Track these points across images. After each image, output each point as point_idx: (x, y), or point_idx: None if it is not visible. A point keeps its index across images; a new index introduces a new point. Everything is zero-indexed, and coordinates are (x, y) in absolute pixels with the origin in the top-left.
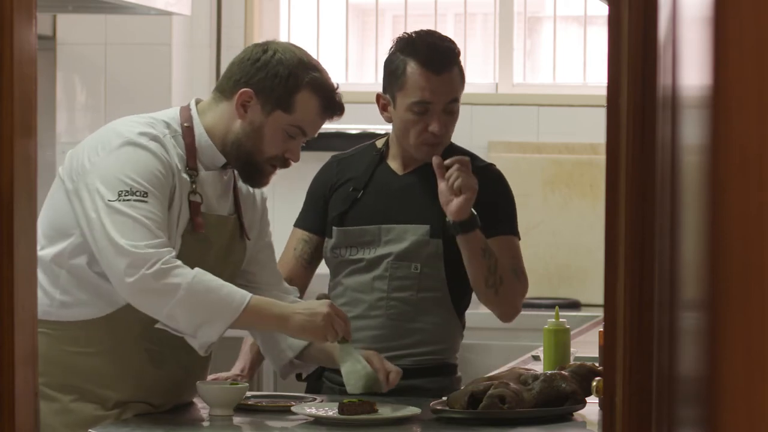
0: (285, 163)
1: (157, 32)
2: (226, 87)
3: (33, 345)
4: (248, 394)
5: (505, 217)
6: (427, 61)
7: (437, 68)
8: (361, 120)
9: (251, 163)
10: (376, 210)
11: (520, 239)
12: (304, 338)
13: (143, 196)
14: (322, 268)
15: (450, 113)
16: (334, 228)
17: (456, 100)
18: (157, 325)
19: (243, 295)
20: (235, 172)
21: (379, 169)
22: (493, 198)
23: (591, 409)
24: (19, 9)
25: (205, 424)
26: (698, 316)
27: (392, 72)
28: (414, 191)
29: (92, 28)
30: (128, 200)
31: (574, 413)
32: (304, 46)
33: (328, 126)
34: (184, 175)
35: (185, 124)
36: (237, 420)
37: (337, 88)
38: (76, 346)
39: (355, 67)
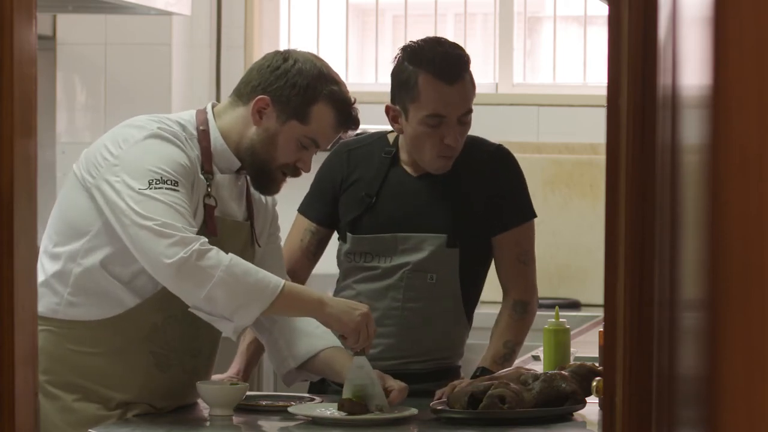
0: (296, 172)
1: (157, 32)
2: (243, 92)
3: (33, 345)
4: (248, 394)
5: (520, 203)
6: (439, 72)
7: (450, 78)
8: (361, 120)
9: (264, 171)
10: (391, 216)
11: (536, 216)
12: (334, 327)
13: (174, 185)
14: (326, 269)
15: (464, 124)
16: (349, 234)
17: (470, 111)
18: (191, 309)
19: (278, 279)
20: (247, 178)
21: (392, 172)
22: (508, 185)
23: (591, 409)
24: (19, 9)
25: (205, 424)
26: (698, 316)
27: (403, 83)
28: (429, 196)
29: (92, 28)
30: (160, 188)
31: (574, 413)
32: (303, 46)
33: None
34: (201, 176)
35: (201, 128)
36: (237, 420)
37: (354, 102)
38: (81, 346)
39: (355, 67)
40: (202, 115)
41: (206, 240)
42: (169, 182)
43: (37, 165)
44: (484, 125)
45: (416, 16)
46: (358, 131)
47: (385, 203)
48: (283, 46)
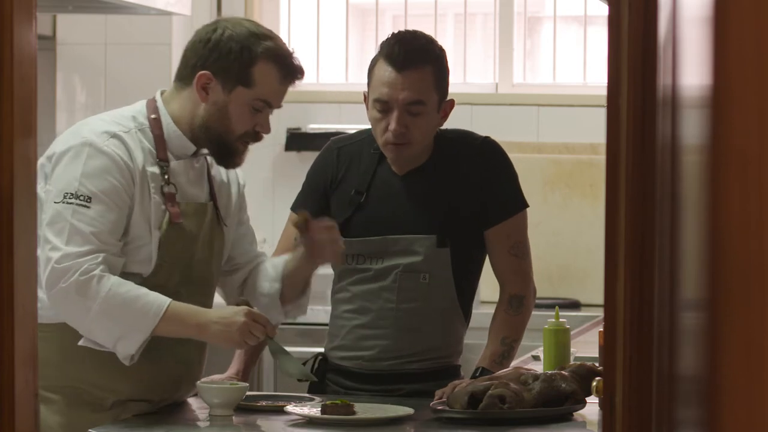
0: (257, 137)
1: (157, 32)
2: (184, 73)
3: (33, 345)
4: (248, 394)
5: (508, 195)
6: (390, 58)
7: (398, 65)
8: (361, 120)
9: (223, 144)
10: (380, 218)
11: (528, 206)
12: (223, 347)
13: (86, 201)
14: (324, 268)
15: (414, 114)
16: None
17: (419, 102)
18: (80, 343)
19: (159, 305)
20: (208, 159)
21: (379, 169)
22: (495, 176)
23: (591, 409)
24: (19, 9)
25: (205, 424)
26: (698, 316)
27: (368, 69)
28: (416, 195)
29: (92, 28)
30: (70, 203)
31: (574, 413)
32: (304, 47)
33: (328, 126)
34: (153, 169)
35: (152, 116)
36: (237, 420)
37: (294, 52)
38: (69, 348)
39: (355, 67)
40: (152, 103)
41: (95, 262)
42: (82, 197)
43: (37, 165)
44: (483, 125)
45: (416, 16)
46: (357, 130)
47: (374, 204)
48: None
